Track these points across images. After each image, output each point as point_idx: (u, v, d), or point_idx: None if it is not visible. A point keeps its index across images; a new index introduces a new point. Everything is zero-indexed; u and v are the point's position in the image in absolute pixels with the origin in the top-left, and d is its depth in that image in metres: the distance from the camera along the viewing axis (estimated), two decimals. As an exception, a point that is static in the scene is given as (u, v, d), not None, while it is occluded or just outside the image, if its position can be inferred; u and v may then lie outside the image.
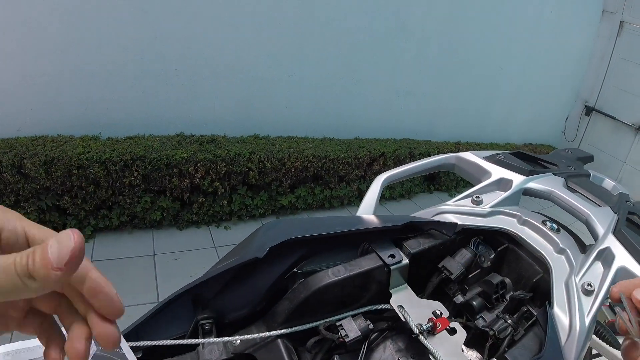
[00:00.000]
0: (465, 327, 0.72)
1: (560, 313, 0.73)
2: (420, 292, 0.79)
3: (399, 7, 3.49)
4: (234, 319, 0.71)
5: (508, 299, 0.82)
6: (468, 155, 1.19)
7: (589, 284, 0.76)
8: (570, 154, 1.35)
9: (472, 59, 4.11)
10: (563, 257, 0.83)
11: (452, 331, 0.68)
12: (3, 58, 2.43)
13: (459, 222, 0.86)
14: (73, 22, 2.51)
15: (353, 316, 0.68)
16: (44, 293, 0.28)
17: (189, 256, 2.73)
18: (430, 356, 0.62)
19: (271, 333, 0.65)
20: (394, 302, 0.72)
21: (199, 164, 2.73)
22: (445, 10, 3.70)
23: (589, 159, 1.40)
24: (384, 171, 1.13)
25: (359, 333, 0.65)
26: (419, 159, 1.26)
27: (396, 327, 0.73)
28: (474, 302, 0.79)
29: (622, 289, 0.46)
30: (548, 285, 0.78)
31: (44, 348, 0.34)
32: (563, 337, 0.69)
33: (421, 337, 0.64)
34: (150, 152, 2.62)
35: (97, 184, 2.57)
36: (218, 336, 0.66)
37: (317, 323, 0.67)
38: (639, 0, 4.37)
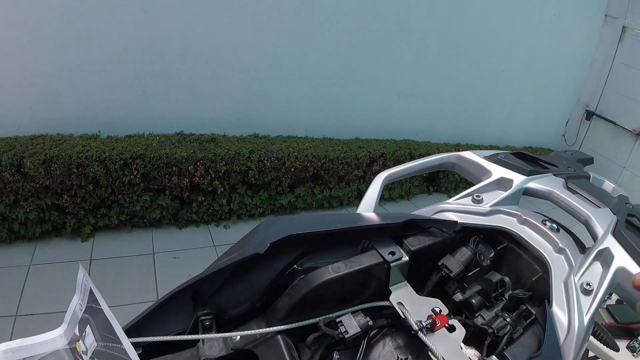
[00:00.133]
0: (464, 324, 0.72)
1: (559, 312, 0.73)
2: (419, 289, 0.79)
3: (399, 7, 3.50)
4: (233, 315, 0.71)
5: (507, 298, 0.82)
6: (469, 155, 1.19)
7: (588, 284, 0.76)
8: (570, 155, 1.35)
9: (472, 61, 4.11)
10: (562, 256, 0.83)
11: (452, 329, 0.68)
12: (3, 57, 2.44)
13: (459, 221, 0.86)
14: (73, 22, 2.52)
15: (353, 313, 0.68)
16: None
17: (188, 255, 2.73)
18: (430, 353, 0.62)
19: (271, 329, 0.65)
20: (394, 299, 0.72)
21: (198, 163, 2.74)
22: (446, 11, 3.71)
23: (589, 160, 1.40)
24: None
25: (359, 329, 0.65)
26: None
27: (395, 324, 0.73)
28: (473, 300, 0.79)
29: None
30: (547, 285, 0.78)
31: (43, 345, 0.34)
32: (562, 336, 0.69)
33: (420, 334, 0.64)
34: (149, 151, 2.62)
35: (97, 182, 2.57)
36: (218, 332, 0.66)
37: (317, 319, 0.67)
38: (642, 5, 4.38)
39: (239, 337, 0.65)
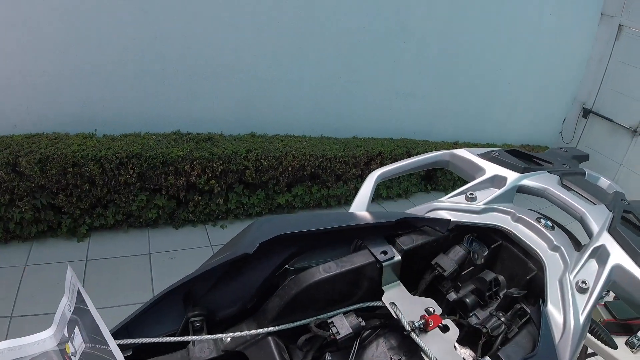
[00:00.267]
0: (458, 324, 0.71)
1: (554, 311, 0.72)
2: (412, 289, 0.79)
3: (399, 7, 3.49)
4: (224, 317, 0.70)
5: (501, 297, 0.81)
6: (462, 152, 1.18)
7: (584, 282, 0.76)
8: (565, 152, 1.34)
9: (471, 61, 4.11)
10: (557, 254, 0.82)
11: (445, 329, 0.67)
12: (2, 57, 2.43)
13: (452, 219, 0.85)
14: (73, 22, 2.51)
15: (344, 313, 0.68)
16: None
17: (185, 255, 2.72)
18: (423, 354, 0.62)
19: (261, 330, 0.64)
20: (386, 299, 0.71)
21: (195, 162, 2.72)
22: (445, 11, 3.70)
23: (585, 157, 1.39)
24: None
25: (351, 330, 0.64)
26: (416, 158, 1.24)
27: (389, 324, 0.72)
28: (467, 300, 0.78)
29: None
30: (542, 283, 0.77)
31: (33, 346, 0.33)
32: (557, 335, 0.68)
33: (413, 335, 0.63)
34: (146, 150, 2.61)
35: (93, 182, 2.56)
36: (208, 334, 0.65)
37: (308, 320, 0.66)
38: (638, 4, 4.39)
39: (229, 338, 0.64)
